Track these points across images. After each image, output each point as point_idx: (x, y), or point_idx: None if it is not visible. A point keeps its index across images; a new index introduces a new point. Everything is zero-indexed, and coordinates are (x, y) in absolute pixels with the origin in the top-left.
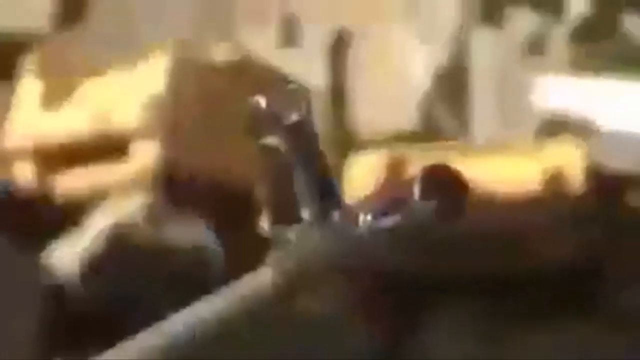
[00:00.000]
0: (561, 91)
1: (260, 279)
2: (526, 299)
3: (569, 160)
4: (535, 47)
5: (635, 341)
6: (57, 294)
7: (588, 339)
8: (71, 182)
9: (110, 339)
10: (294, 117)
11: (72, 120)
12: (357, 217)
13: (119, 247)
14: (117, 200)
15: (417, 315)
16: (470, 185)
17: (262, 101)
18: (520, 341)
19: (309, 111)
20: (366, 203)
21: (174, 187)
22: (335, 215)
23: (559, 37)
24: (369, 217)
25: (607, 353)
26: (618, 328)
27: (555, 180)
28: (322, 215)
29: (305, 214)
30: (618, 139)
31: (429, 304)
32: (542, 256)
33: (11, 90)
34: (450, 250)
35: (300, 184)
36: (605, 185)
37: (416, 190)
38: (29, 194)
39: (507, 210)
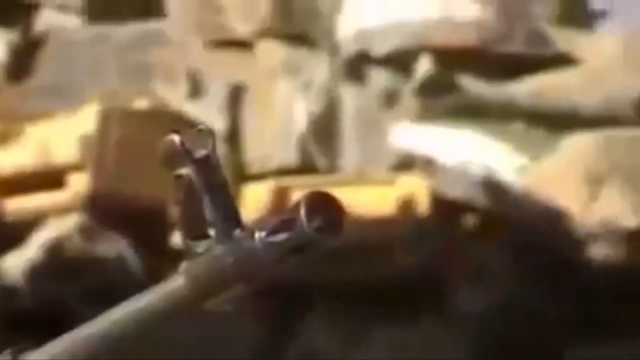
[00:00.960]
0: (411, 135)
1: (174, 284)
2: (385, 300)
3: (417, 190)
4: (390, 99)
5: (470, 333)
6: (6, 294)
7: (432, 333)
8: (19, 205)
9: (50, 332)
10: (202, 152)
11: (20, 156)
12: (253, 233)
13: (56, 257)
14: (55, 220)
15: (299, 313)
16: (344, 208)
17: (176, 139)
18: (380, 335)
19: (214, 148)
20: (260, 222)
21: (101, 209)
22: (236, 232)
23: (408, 92)
24: (262, 234)
25: (450, 347)
26: (456, 323)
27: (406, 205)
28: (225, 232)
29: (211, 231)
30: (454, 173)
31: (310, 304)
32: (397, 264)
33: None
34: (328, 261)
35: (208, 206)
36: (445, 209)
37: (302, 212)
38: None
39: (371, 227)
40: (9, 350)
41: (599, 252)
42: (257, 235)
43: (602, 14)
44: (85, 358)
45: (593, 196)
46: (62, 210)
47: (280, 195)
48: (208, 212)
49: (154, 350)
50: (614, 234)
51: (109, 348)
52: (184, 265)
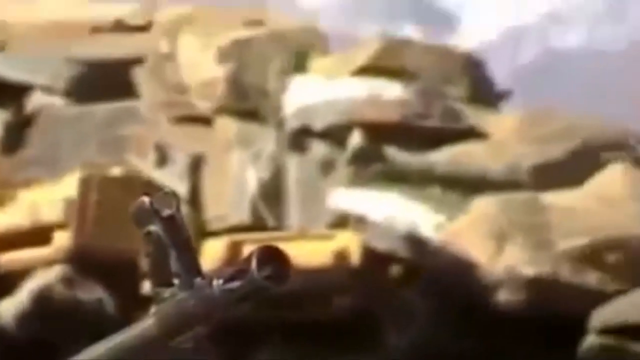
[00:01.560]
0: (345, 198)
1: (145, 325)
2: (323, 335)
3: (351, 244)
4: (327, 167)
5: None
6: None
7: None
8: (11, 258)
9: None
10: (168, 212)
11: (12, 217)
12: (211, 281)
13: (43, 302)
14: (42, 271)
15: (251, 349)
16: (290, 259)
17: (146, 201)
18: None
19: (178, 209)
20: (217, 272)
21: (81, 262)
22: (197, 280)
23: (343, 161)
24: (220, 282)
25: None
26: (385, 355)
27: (341, 257)
28: (188, 280)
29: (176, 279)
30: (381, 230)
31: (261, 341)
32: (333, 305)
33: None
34: (275, 304)
35: (173, 259)
36: (374, 260)
37: (253, 263)
38: None
39: (311, 276)
40: None
41: (503, 296)
42: (214, 283)
43: (505, 95)
44: None
45: (498, 249)
46: (48, 263)
47: (234, 249)
48: (173, 263)
49: None
50: (515, 281)
51: None
52: (153, 309)
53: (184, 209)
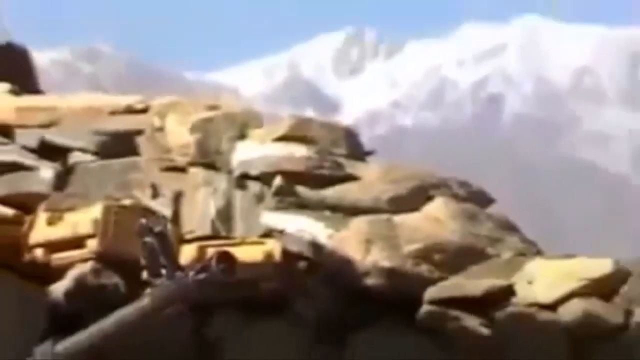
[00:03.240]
0: (271, 218)
1: (142, 302)
2: (255, 307)
3: (275, 247)
4: (260, 199)
5: (304, 327)
6: (53, 306)
7: (284, 327)
8: (62, 257)
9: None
10: (159, 228)
11: (61, 230)
12: (187, 274)
13: (80, 284)
14: (80, 265)
15: (210, 317)
16: (236, 258)
17: (144, 221)
18: (255, 327)
19: (166, 226)
20: (191, 267)
21: (105, 260)
22: (177, 273)
23: (269, 195)
24: (192, 274)
25: (293, 334)
26: (296, 321)
27: (269, 256)
28: (171, 272)
29: (163, 272)
30: (294, 238)
31: (216, 312)
32: (262, 288)
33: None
34: (225, 288)
35: (162, 258)
36: (289, 258)
37: (213, 261)
38: None
39: (249, 268)
40: (50, 340)
41: (370, 281)
42: (189, 274)
43: (369, 153)
44: (90, 343)
45: (367, 251)
46: (83, 260)
47: (201, 252)
48: (161, 261)
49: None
50: (378, 271)
51: (104, 336)
52: (148, 292)
53: (169, 227)
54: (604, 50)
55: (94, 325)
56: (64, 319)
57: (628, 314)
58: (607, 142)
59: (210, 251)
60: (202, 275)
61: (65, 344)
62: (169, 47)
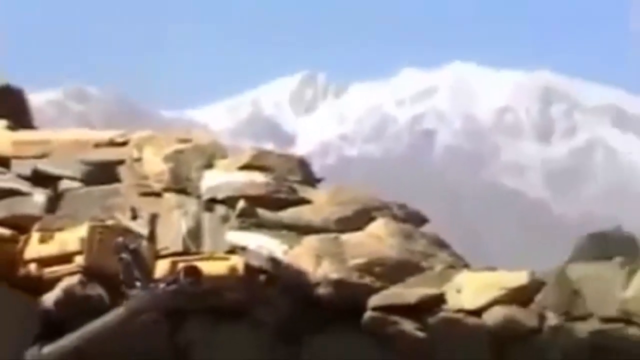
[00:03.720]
0: (236, 236)
1: (119, 310)
2: (221, 315)
3: (238, 262)
4: (226, 220)
5: (263, 332)
6: (44, 314)
7: (245, 331)
8: (53, 271)
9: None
10: (133, 245)
11: (51, 248)
12: (159, 285)
13: (68, 295)
14: (68, 278)
15: (181, 324)
16: (202, 272)
17: (120, 239)
18: (220, 332)
19: (140, 244)
20: (163, 279)
21: (90, 273)
22: (151, 284)
23: (234, 216)
24: (164, 285)
25: (253, 337)
26: (256, 326)
27: (233, 270)
28: (145, 284)
29: (138, 284)
30: (255, 254)
31: (185, 319)
32: (227, 298)
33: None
34: (194, 298)
35: (137, 273)
36: (251, 271)
37: (182, 274)
38: None
39: (215, 280)
40: (38, 344)
41: (321, 291)
42: (161, 286)
43: (320, 180)
44: (75, 346)
45: (318, 264)
46: (71, 273)
47: (173, 266)
48: (136, 274)
49: None
50: (328, 282)
51: (87, 340)
52: (125, 302)
53: (146, 244)
54: (521, 91)
55: (78, 331)
56: (54, 325)
57: (542, 318)
58: (523, 170)
59: (180, 266)
60: (172, 287)
61: (51, 348)
62: (148, 88)
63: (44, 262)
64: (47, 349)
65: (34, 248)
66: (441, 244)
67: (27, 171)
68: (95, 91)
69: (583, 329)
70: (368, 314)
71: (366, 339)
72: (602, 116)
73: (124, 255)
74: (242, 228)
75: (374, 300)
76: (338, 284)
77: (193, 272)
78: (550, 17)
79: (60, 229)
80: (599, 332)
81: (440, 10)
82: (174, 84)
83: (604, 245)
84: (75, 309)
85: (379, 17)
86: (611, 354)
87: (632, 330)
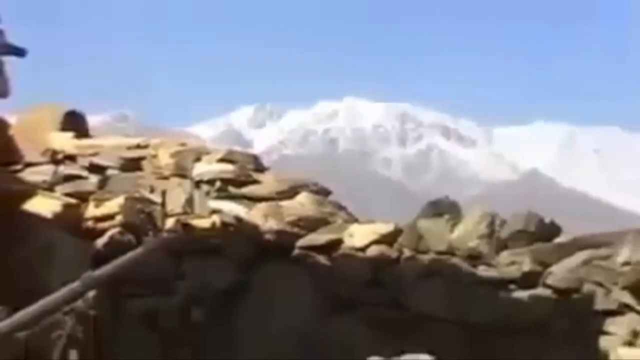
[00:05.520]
0: (214, 203)
1: (139, 249)
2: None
3: (216, 220)
4: (208, 192)
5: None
6: None
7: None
8: None
9: None
10: (148, 209)
11: None
12: (164, 233)
13: None
14: (112, 230)
15: (180, 259)
16: (193, 226)
17: (139, 207)
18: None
19: (154, 209)
20: (168, 230)
21: (125, 226)
22: (158, 234)
23: (214, 192)
24: (167, 234)
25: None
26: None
27: (213, 225)
28: (155, 233)
29: (151, 233)
30: (227, 215)
31: (185, 258)
32: (209, 242)
33: None
34: (187, 243)
35: (150, 226)
36: (224, 225)
37: (179, 227)
38: None
39: (201, 232)
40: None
41: (267, 236)
42: (165, 234)
43: (267, 168)
44: (110, 272)
45: (266, 221)
46: (113, 226)
47: (177, 222)
48: (149, 227)
49: None
50: (273, 231)
51: (118, 268)
52: (142, 243)
53: (158, 209)
54: (388, 114)
55: (113, 262)
56: (102, 259)
57: (400, 252)
58: (390, 163)
59: (176, 222)
60: (172, 235)
61: (98, 272)
62: (164, 111)
63: (96, 219)
64: (95, 273)
65: (91, 211)
66: (340, 207)
67: (86, 163)
68: (130, 113)
69: (425, 258)
70: (296, 251)
71: (295, 266)
72: (435, 130)
73: (141, 216)
74: (218, 198)
75: (300, 243)
76: (278, 232)
77: (186, 226)
78: (408, 65)
79: (107, 199)
80: (435, 260)
81: (339, 58)
82: (179, 110)
83: (438, 208)
84: (115, 249)
85: (303, 61)
86: (440, 276)
87: (455, 260)
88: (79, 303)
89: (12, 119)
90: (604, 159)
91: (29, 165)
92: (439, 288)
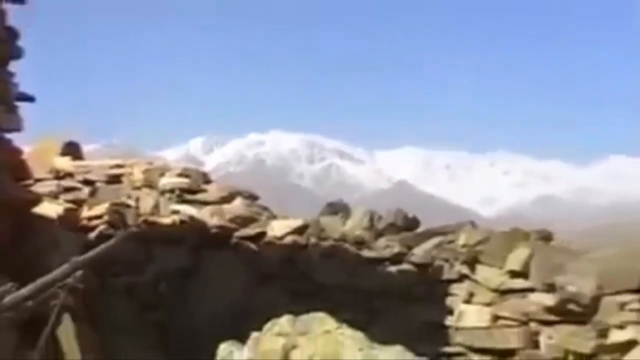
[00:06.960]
0: (174, 206)
1: (114, 239)
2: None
3: (175, 218)
4: (170, 198)
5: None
6: None
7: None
8: None
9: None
10: (122, 211)
11: None
12: (131, 228)
13: None
14: (100, 227)
15: (148, 246)
16: (156, 222)
17: (115, 208)
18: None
19: (126, 212)
20: (132, 227)
21: (109, 224)
22: (128, 228)
23: (175, 197)
24: (133, 229)
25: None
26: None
27: (174, 222)
28: (125, 228)
29: (122, 228)
30: (183, 214)
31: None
32: (170, 235)
33: None
34: (150, 236)
35: (122, 224)
36: (181, 222)
37: (143, 224)
38: None
39: (163, 227)
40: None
41: (213, 230)
42: (132, 229)
43: (210, 181)
44: (94, 256)
45: (212, 218)
46: (102, 224)
47: (144, 221)
48: (122, 224)
49: None
50: (217, 226)
51: (99, 254)
52: (116, 235)
53: (132, 211)
54: (302, 141)
55: (94, 249)
56: (93, 246)
57: (308, 239)
58: (303, 176)
59: (143, 221)
60: (136, 229)
61: (84, 256)
62: (144, 139)
63: (89, 219)
64: (80, 258)
65: (85, 213)
66: (265, 208)
67: (81, 179)
68: (119, 143)
69: (326, 244)
70: (233, 240)
71: (232, 252)
72: (334, 153)
73: (116, 216)
74: (177, 202)
75: (236, 234)
76: (220, 227)
77: (153, 223)
78: (317, 104)
79: (96, 204)
80: (332, 245)
81: (265, 97)
82: (150, 139)
83: (334, 208)
84: (103, 240)
85: (241, 98)
86: (337, 256)
87: (346, 245)
88: (70, 279)
89: (25, 147)
90: (453, 172)
91: (38, 180)
92: (336, 265)
